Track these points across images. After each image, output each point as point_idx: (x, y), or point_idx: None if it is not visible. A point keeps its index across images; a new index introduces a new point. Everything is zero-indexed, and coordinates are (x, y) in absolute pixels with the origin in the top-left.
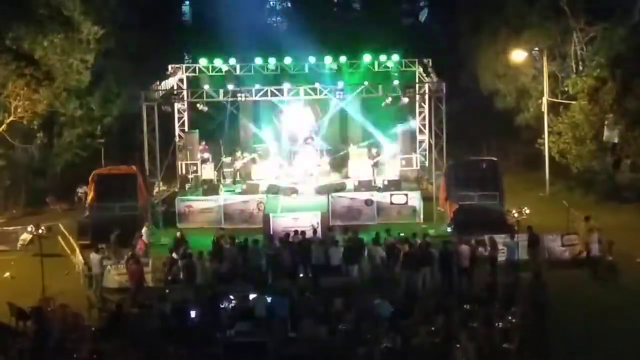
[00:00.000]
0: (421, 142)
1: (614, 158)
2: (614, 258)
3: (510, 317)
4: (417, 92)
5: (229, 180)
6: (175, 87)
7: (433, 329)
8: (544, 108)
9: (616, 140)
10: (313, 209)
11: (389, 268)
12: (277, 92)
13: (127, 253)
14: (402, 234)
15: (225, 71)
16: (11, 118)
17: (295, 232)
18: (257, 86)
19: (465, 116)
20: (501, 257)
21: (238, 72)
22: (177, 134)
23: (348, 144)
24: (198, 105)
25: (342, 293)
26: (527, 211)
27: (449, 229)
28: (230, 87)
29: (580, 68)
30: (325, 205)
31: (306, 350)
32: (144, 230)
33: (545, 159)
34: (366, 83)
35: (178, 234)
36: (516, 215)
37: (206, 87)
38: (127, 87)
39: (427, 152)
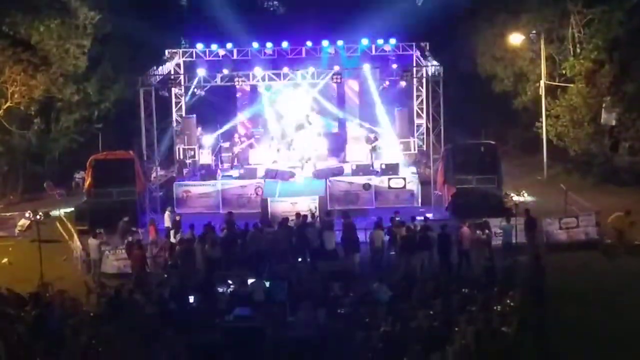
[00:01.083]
0: (419, 126)
1: (611, 141)
2: (612, 241)
3: (508, 301)
4: (414, 76)
5: (226, 165)
6: (172, 72)
7: (431, 312)
8: (542, 91)
9: (614, 123)
10: (311, 193)
11: (389, 252)
12: (274, 77)
13: (127, 238)
14: (397, 218)
15: (222, 56)
16: (8, 104)
17: (297, 215)
18: (255, 70)
19: (463, 100)
20: (498, 241)
21: (235, 56)
22: (174, 119)
23: (345, 128)
24: (195, 90)
25: (340, 277)
26: (526, 195)
27: (446, 213)
28: (227, 71)
29: (578, 51)
30: (323, 190)
31: (304, 334)
32: (166, 214)
33: (543, 143)
34: (364, 66)
35: (177, 217)
36: (514, 198)
37: (203, 71)
38: (124, 72)
39: (424, 136)
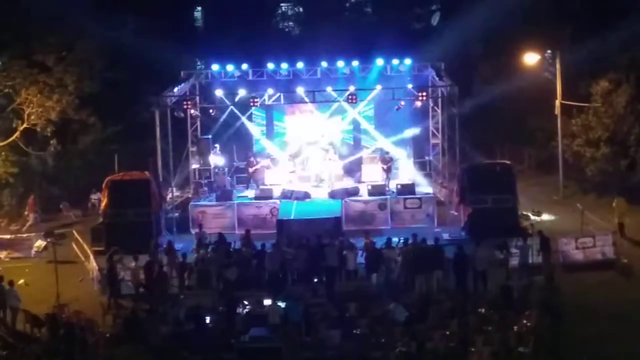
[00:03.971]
0: (434, 146)
1: (628, 160)
2: (629, 261)
3: (525, 321)
4: (430, 96)
5: (242, 185)
6: (187, 93)
7: (448, 333)
8: (557, 111)
9: None
10: (327, 213)
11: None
12: (289, 97)
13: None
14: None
15: (238, 76)
16: (24, 125)
17: (315, 235)
18: (270, 91)
19: (479, 120)
20: (515, 261)
21: (250, 77)
22: (190, 139)
23: (361, 149)
24: (211, 111)
25: (356, 298)
26: (542, 214)
27: (462, 233)
28: (243, 92)
29: (594, 71)
30: (339, 210)
31: (320, 355)
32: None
33: (558, 162)
34: (379, 87)
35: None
36: (531, 218)
37: (219, 92)
38: (139, 93)
39: (440, 156)
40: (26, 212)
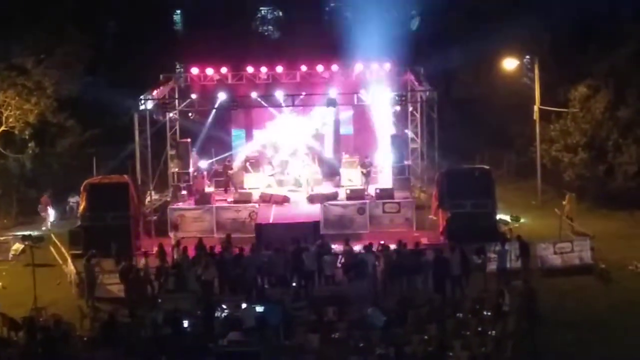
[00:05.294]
0: (413, 150)
1: (605, 166)
2: (606, 266)
3: (502, 326)
4: (409, 100)
5: (221, 189)
6: (166, 96)
7: (426, 337)
8: (536, 116)
9: None
10: (305, 217)
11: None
12: (268, 101)
13: (122, 262)
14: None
15: (217, 80)
16: (2, 128)
17: (292, 239)
18: (249, 95)
19: (457, 124)
20: (493, 266)
21: (230, 80)
22: (169, 143)
23: (340, 153)
24: (190, 114)
25: (334, 302)
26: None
27: (441, 238)
28: (221, 95)
29: (573, 76)
30: (318, 214)
31: (299, 359)
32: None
33: (537, 167)
34: (359, 91)
35: (174, 241)
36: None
37: (197, 96)
38: (118, 97)
39: (419, 161)
40: (42, 212)
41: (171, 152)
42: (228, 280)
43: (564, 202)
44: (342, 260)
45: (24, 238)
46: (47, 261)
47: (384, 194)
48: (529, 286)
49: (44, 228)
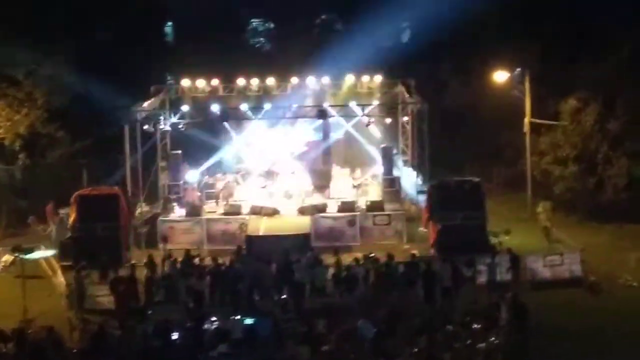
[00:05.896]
0: (404, 162)
1: (595, 179)
2: (596, 278)
3: (492, 338)
4: (400, 112)
5: (211, 201)
6: (157, 108)
7: (416, 350)
8: (526, 129)
9: None
10: (295, 229)
11: (374, 289)
12: (260, 112)
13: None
14: (372, 254)
15: (208, 91)
16: None
17: (282, 251)
18: (240, 107)
19: (448, 137)
20: (483, 278)
21: (221, 92)
22: (159, 154)
23: (330, 165)
24: (181, 126)
25: (325, 314)
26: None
27: (431, 250)
28: (213, 107)
29: (563, 89)
30: (308, 226)
31: None
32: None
33: (527, 180)
34: (349, 103)
35: (165, 253)
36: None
37: (189, 107)
38: (109, 108)
39: (409, 173)
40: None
41: (162, 163)
42: (219, 291)
43: (538, 210)
44: (333, 273)
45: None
46: (37, 273)
47: (374, 206)
48: (519, 299)
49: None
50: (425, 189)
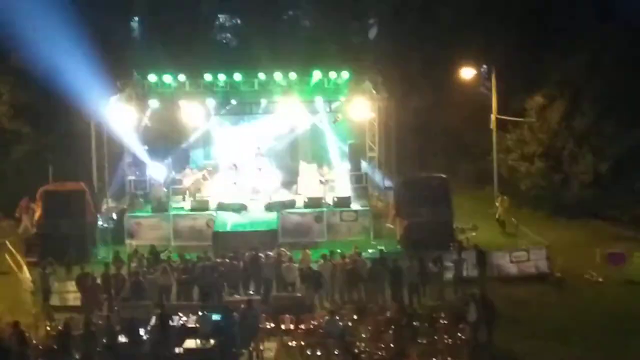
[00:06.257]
0: (371, 159)
1: (561, 176)
2: (562, 274)
3: (459, 334)
4: (366, 108)
5: (178, 197)
6: (124, 103)
7: (382, 346)
8: (493, 125)
9: None
10: (263, 225)
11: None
12: (226, 109)
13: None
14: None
15: (175, 87)
16: None
17: (250, 247)
18: (207, 102)
19: (415, 133)
20: (449, 274)
21: (187, 88)
22: (125, 150)
23: (297, 161)
24: (147, 121)
25: (291, 310)
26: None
27: (398, 246)
28: (180, 103)
29: (529, 86)
30: (275, 222)
31: None
32: None
33: (494, 176)
34: (316, 99)
35: (131, 249)
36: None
37: (155, 103)
38: (75, 103)
39: (377, 169)
40: (17, 214)
41: (128, 159)
42: (185, 287)
43: (496, 204)
44: (300, 269)
45: None
46: (2, 269)
47: (342, 202)
48: (485, 295)
49: (20, 232)
50: (392, 185)
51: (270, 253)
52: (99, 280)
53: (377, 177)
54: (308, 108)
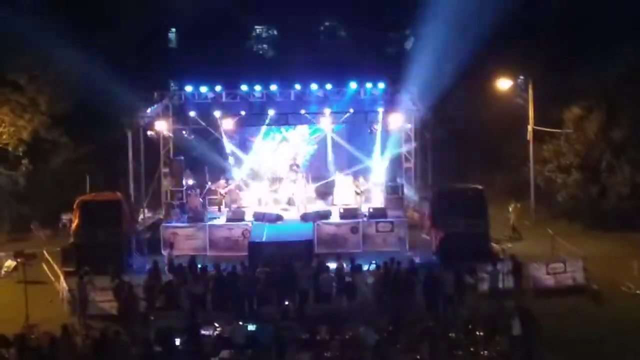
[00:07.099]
0: (407, 170)
1: (599, 187)
2: (599, 286)
3: (495, 346)
4: (402, 120)
5: (214, 207)
6: (160, 114)
7: (418, 357)
8: (530, 136)
9: None
10: (298, 236)
11: (376, 295)
12: (262, 119)
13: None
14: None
15: (211, 98)
16: None
17: (287, 257)
18: (243, 113)
19: (451, 144)
20: (485, 286)
21: (224, 99)
22: (162, 160)
23: (334, 172)
24: (184, 132)
25: (327, 320)
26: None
27: (434, 257)
28: (217, 113)
29: (566, 97)
30: (311, 233)
31: None
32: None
33: (530, 187)
34: (352, 110)
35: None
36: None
37: (192, 113)
38: (112, 114)
39: (412, 180)
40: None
41: (164, 169)
42: (220, 297)
43: (509, 210)
44: (335, 279)
45: (16, 255)
46: (39, 278)
47: (377, 213)
48: (523, 306)
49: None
50: (427, 196)
51: (307, 264)
52: (135, 290)
53: (413, 188)
54: (344, 119)
